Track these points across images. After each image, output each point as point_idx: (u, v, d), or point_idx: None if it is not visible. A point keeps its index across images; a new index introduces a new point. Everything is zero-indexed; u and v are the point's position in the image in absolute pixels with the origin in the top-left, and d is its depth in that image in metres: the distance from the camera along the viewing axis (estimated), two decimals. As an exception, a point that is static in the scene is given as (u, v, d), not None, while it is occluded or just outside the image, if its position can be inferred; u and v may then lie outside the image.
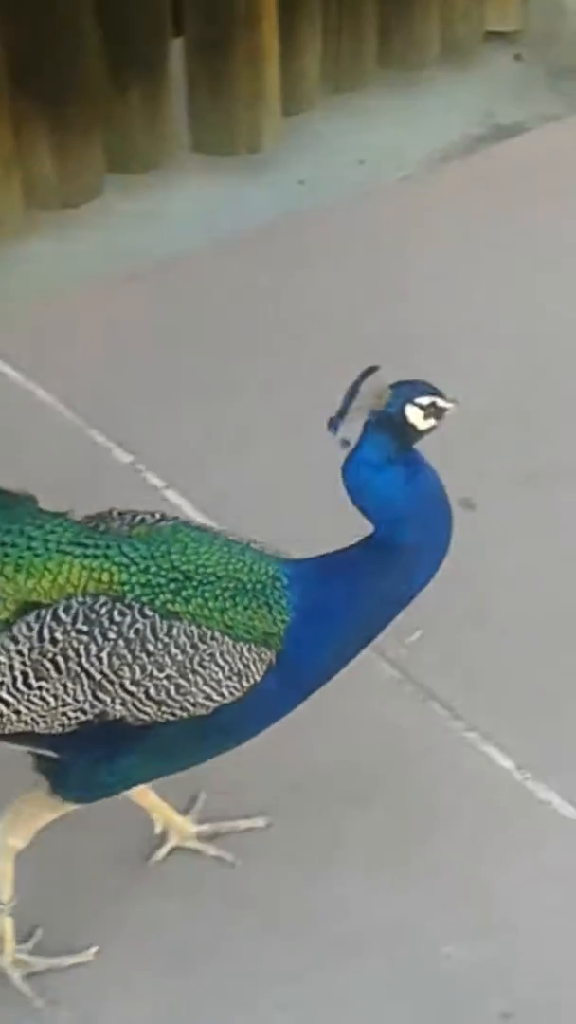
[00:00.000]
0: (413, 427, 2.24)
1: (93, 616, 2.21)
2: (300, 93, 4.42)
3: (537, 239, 4.02)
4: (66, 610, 2.20)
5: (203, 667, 2.22)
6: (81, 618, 2.20)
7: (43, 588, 2.22)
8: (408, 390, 2.24)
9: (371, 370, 2.23)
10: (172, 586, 2.22)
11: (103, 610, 2.21)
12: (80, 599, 2.21)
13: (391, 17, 4.55)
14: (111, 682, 2.20)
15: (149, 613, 2.20)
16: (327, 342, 3.67)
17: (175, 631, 2.21)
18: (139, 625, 2.20)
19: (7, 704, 2.22)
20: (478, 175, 4.39)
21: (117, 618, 2.20)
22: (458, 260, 3.99)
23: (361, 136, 4.54)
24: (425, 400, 2.24)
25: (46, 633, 2.20)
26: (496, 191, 4.26)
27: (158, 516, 2.34)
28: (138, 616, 2.21)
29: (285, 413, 3.50)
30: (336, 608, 2.28)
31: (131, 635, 2.20)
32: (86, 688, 2.21)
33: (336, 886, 2.60)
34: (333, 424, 2.22)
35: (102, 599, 2.21)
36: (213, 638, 2.23)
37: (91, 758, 2.28)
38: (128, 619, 2.20)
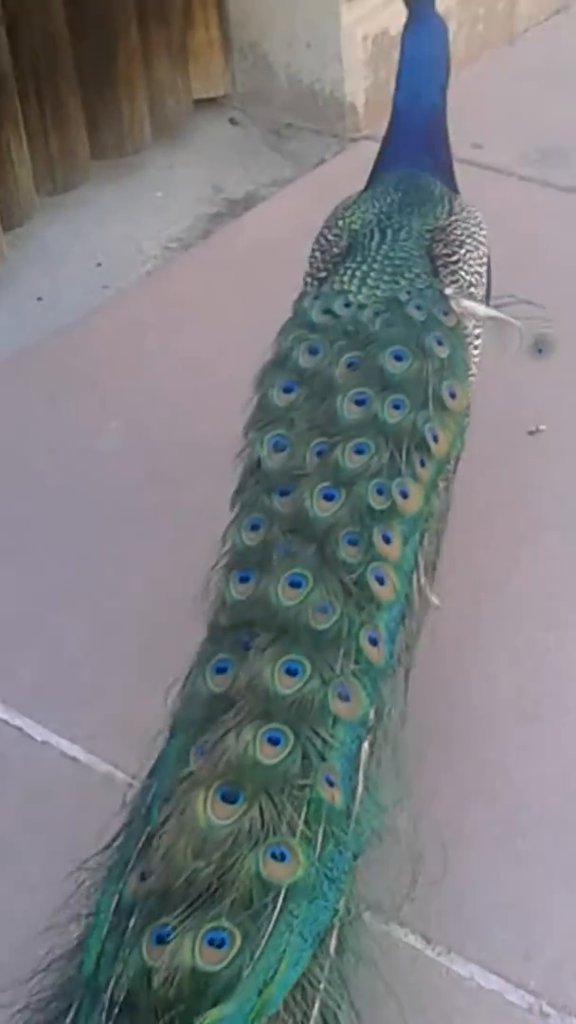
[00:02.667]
0: None
1: None
2: (17, 205, 4.15)
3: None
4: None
5: None
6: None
7: None
8: None
9: None
10: None
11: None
12: None
13: (96, 107, 4.33)
14: None
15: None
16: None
17: None
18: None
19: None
20: (219, 258, 4.18)
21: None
22: (213, 351, 3.76)
23: (92, 237, 4.30)
24: None
25: None
26: (240, 270, 4.06)
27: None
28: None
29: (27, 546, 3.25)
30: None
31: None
32: None
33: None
34: None
35: None
36: None
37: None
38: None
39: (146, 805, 2.16)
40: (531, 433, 3.42)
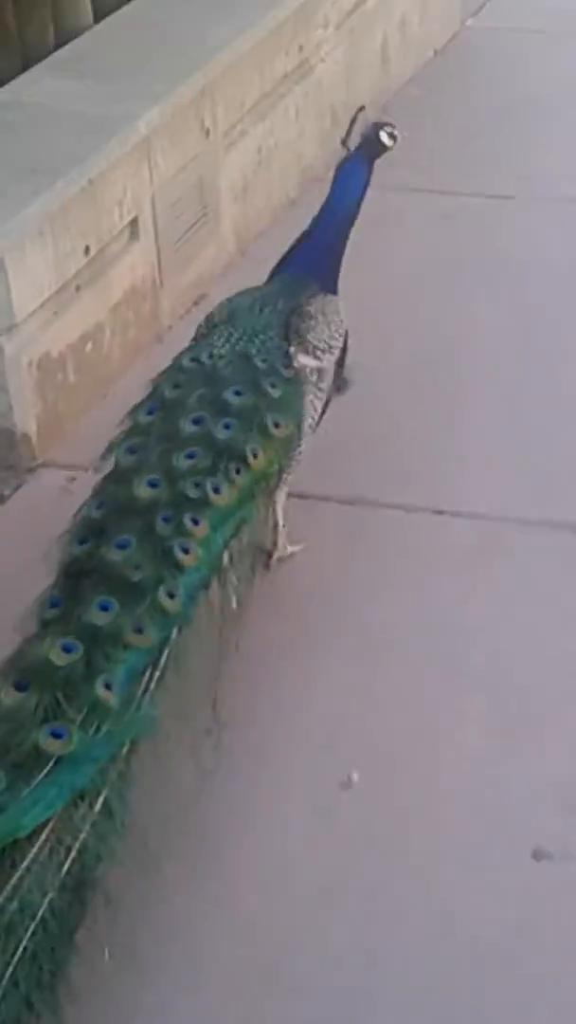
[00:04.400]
0: (382, 144, 3.82)
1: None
2: None
3: None
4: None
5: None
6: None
7: None
8: (382, 123, 3.85)
9: (361, 108, 3.86)
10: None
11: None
12: None
13: None
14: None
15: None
16: None
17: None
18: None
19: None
20: None
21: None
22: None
23: None
24: (388, 129, 3.83)
25: None
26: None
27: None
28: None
29: None
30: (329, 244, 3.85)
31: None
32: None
33: None
34: (343, 141, 3.82)
35: None
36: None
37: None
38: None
39: None
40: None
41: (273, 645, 3.57)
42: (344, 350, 3.72)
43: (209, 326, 3.66)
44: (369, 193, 3.87)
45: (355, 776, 3.24)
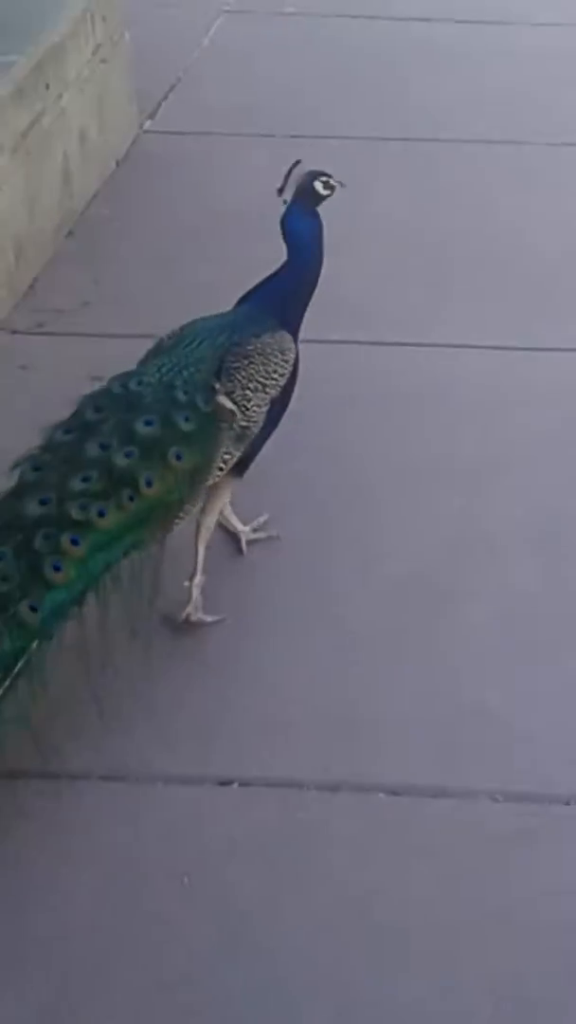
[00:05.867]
0: (318, 194, 3.88)
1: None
2: None
3: None
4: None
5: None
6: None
7: None
8: (316, 172, 3.87)
9: (297, 162, 3.86)
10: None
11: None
12: None
13: None
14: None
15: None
16: None
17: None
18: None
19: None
20: None
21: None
22: None
23: None
24: (324, 179, 3.88)
25: None
26: None
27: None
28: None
29: None
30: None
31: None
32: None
33: None
34: (279, 191, 3.86)
35: None
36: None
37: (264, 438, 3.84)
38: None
39: None
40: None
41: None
42: (289, 388, 3.85)
43: (157, 349, 3.81)
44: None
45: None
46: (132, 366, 3.86)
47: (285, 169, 3.86)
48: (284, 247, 3.91)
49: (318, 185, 3.87)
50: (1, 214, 5.20)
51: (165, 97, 7.28)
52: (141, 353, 3.94)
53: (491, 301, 5.48)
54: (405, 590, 4.00)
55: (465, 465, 4.55)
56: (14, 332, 5.21)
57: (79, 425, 3.55)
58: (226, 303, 4.05)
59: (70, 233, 5.90)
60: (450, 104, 7.12)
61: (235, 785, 3.39)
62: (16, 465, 3.49)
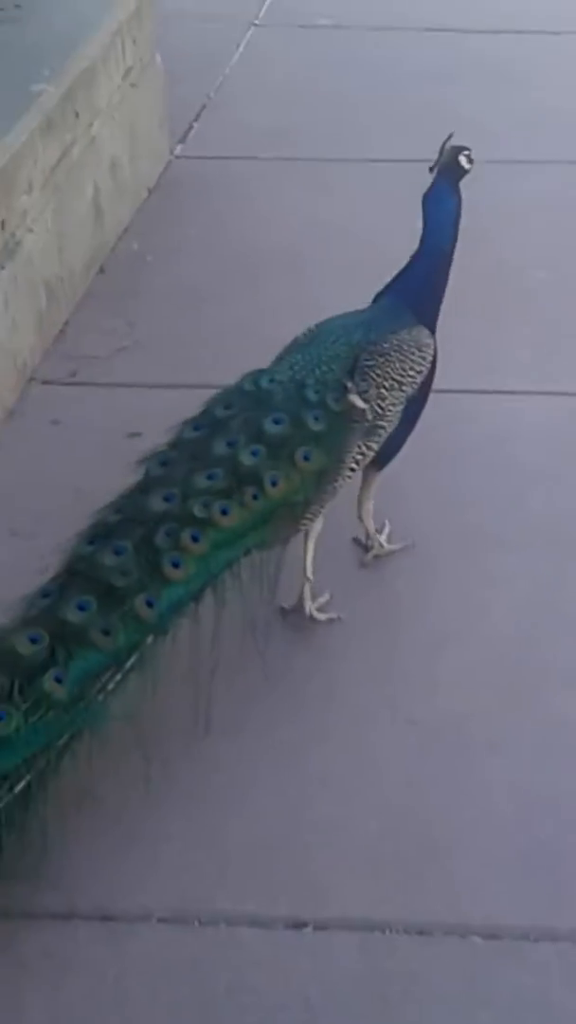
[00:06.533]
0: (462, 168, 3.79)
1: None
2: None
3: None
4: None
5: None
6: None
7: None
8: (460, 147, 3.78)
9: (451, 135, 3.77)
10: None
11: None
12: None
13: None
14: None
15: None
16: None
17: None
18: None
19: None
20: None
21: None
22: None
23: None
24: (467, 152, 3.79)
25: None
26: None
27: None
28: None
29: None
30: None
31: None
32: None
33: None
34: (431, 169, 3.76)
35: None
36: None
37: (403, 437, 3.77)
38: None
39: None
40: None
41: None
42: (427, 386, 3.76)
43: (292, 347, 3.73)
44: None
45: None
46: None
47: (440, 143, 3.78)
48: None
49: (463, 159, 3.79)
50: (31, 255, 4.84)
51: (196, 119, 6.95)
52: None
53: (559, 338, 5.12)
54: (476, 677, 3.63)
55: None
56: (45, 383, 4.87)
57: (208, 422, 3.54)
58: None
59: (101, 270, 5.55)
60: (504, 122, 6.72)
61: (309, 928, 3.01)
62: (143, 460, 3.49)
